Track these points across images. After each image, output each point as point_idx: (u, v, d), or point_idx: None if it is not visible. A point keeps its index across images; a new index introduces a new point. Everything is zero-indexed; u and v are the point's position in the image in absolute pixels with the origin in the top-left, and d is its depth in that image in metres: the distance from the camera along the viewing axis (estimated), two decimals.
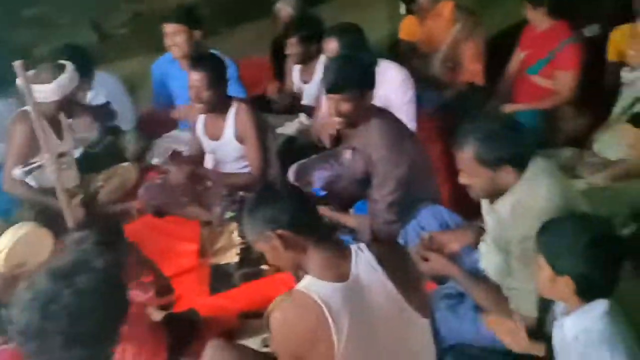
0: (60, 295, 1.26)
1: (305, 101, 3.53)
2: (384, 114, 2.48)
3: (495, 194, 1.91)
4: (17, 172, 2.37)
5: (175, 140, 3.46)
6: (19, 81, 2.22)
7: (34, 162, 2.39)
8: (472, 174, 1.86)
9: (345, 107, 2.35)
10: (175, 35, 3.25)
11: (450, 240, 2.22)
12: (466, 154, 1.84)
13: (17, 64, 2.15)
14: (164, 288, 2.35)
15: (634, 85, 2.56)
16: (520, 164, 1.83)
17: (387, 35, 4.53)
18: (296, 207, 1.61)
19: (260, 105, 3.52)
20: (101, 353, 1.37)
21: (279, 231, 1.57)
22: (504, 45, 3.61)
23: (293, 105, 3.58)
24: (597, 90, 3.23)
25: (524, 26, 3.42)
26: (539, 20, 3.22)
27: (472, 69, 3.54)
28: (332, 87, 2.34)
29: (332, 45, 2.88)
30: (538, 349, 1.77)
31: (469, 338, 2.03)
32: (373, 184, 2.46)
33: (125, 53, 4.60)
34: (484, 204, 2.03)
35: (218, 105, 2.84)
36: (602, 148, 2.66)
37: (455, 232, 2.28)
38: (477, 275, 2.07)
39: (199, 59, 2.83)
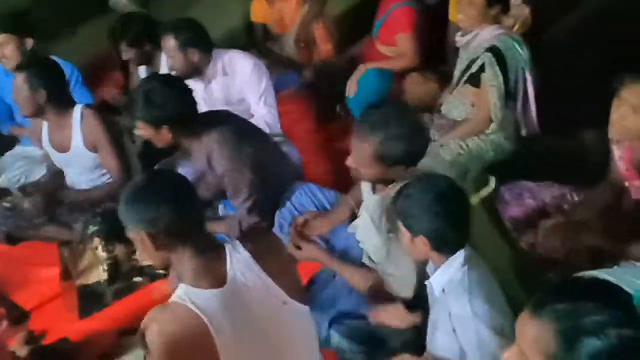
0: None
1: None
2: (214, 124, 2.36)
3: (382, 183, 1.94)
4: None
5: (22, 158, 3.17)
6: None
7: None
8: (364, 165, 1.87)
9: (147, 134, 2.31)
10: (3, 47, 3.00)
11: (321, 225, 2.25)
12: (365, 148, 1.83)
13: None
14: (17, 316, 2.15)
15: (468, 48, 2.70)
16: (414, 163, 1.87)
17: (242, 18, 4.45)
18: (176, 211, 1.50)
19: (112, 108, 3.33)
20: None
21: (152, 232, 1.48)
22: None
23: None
24: (443, 53, 3.42)
25: None
26: None
27: (324, 49, 3.59)
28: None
29: (169, 44, 2.79)
30: (418, 317, 1.83)
31: (349, 307, 2.08)
32: (228, 195, 2.43)
33: None
34: (365, 185, 2.05)
35: (57, 111, 2.65)
36: (449, 110, 2.79)
37: (325, 216, 2.31)
38: (349, 256, 2.13)
39: (25, 61, 2.68)
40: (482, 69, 2.60)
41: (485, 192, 2.46)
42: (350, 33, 3.82)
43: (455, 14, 3.30)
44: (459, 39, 2.75)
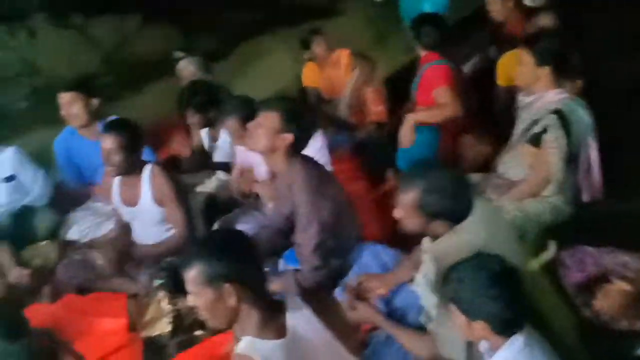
0: None
1: (216, 158, 3.55)
2: (308, 160, 2.52)
3: (429, 235, 1.97)
4: None
5: (93, 212, 3.33)
6: None
7: None
8: (407, 215, 1.92)
9: (261, 130, 2.39)
10: (71, 105, 3.21)
11: (377, 286, 2.28)
12: (408, 198, 1.89)
13: None
14: None
15: (530, 108, 2.73)
16: (455, 220, 1.89)
17: (293, 82, 4.67)
18: (252, 265, 1.61)
19: (173, 166, 3.51)
20: None
21: (236, 285, 1.55)
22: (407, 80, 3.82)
23: (205, 163, 3.57)
24: (491, 115, 3.49)
25: None
26: (421, 52, 3.42)
27: (376, 110, 3.71)
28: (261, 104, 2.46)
29: (230, 124, 3.00)
30: None
31: None
32: (297, 227, 2.49)
33: (27, 127, 4.42)
34: (424, 240, 2.08)
35: (130, 168, 2.82)
36: (506, 170, 2.81)
37: (382, 277, 2.34)
38: (407, 317, 2.15)
39: (112, 122, 2.84)
40: (544, 130, 2.61)
41: (545, 256, 2.44)
42: (397, 96, 3.97)
43: (504, 78, 3.41)
44: (522, 99, 2.80)
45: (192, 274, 1.59)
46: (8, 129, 4.42)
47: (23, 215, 3.24)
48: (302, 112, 2.44)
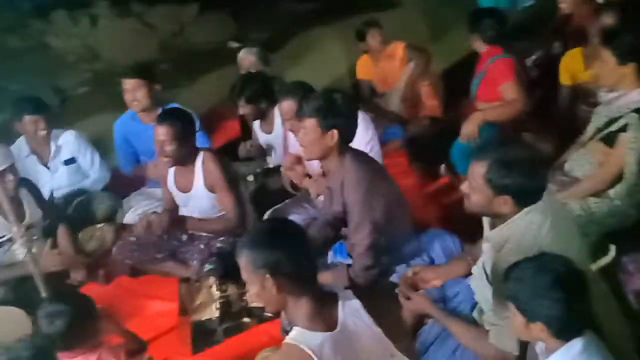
0: None
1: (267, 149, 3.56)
2: (360, 155, 2.49)
3: (490, 216, 1.93)
4: None
5: (147, 197, 3.42)
6: None
7: (3, 236, 2.34)
8: (475, 188, 1.87)
9: (306, 138, 2.38)
10: (135, 91, 3.28)
11: (434, 277, 2.24)
12: (478, 169, 1.84)
13: None
14: (136, 346, 2.27)
15: (610, 105, 2.59)
16: (522, 200, 1.82)
17: (346, 74, 4.65)
18: (299, 256, 1.60)
19: (227, 154, 3.54)
20: None
21: (277, 276, 1.56)
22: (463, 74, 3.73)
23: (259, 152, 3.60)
24: (551, 113, 3.37)
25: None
26: (479, 47, 3.32)
27: (430, 105, 3.64)
28: (299, 112, 2.41)
29: (286, 106, 2.93)
30: None
31: None
32: (349, 227, 2.47)
33: (87, 112, 4.57)
34: (486, 229, 2.02)
35: (184, 157, 2.85)
36: (572, 167, 2.68)
37: (440, 268, 2.30)
38: (458, 312, 2.11)
39: (166, 113, 2.85)
40: (622, 128, 2.47)
41: (604, 261, 2.34)
42: (452, 91, 3.88)
43: (567, 77, 3.28)
44: (604, 94, 2.66)
45: (242, 262, 1.62)
46: (69, 113, 4.60)
47: (82, 198, 3.35)
48: (338, 103, 2.38)
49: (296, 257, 1.59)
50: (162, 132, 2.74)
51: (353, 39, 4.08)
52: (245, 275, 1.63)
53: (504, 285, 1.66)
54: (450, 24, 4.75)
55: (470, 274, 2.10)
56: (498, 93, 3.17)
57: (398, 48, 3.75)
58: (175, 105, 3.33)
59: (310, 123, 2.35)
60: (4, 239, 2.32)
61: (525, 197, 1.82)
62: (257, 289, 1.60)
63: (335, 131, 2.35)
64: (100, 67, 5.25)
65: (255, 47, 3.96)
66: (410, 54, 3.70)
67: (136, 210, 3.30)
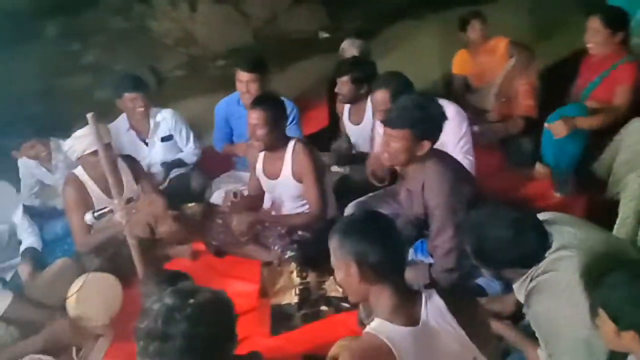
0: (183, 307, 1.43)
1: (354, 141, 3.57)
2: (441, 157, 2.44)
3: None
4: (88, 217, 2.48)
5: (235, 179, 3.52)
6: (90, 129, 2.31)
7: (104, 208, 2.49)
8: None
9: (395, 145, 2.33)
10: (250, 83, 3.36)
11: (499, 309, 2.22)
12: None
13: (89, 116, 2.26)
14: None
15: None
16: None
17: (437, 68, 4.54)
18: (388, 249, 1.60)
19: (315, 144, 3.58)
20: None
21: (363, 266, 1.59)
22: (562, 75, 3.56)
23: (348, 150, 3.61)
24: None
25: (581, 56, 3.37)
26: (602, 46, 3.14)
27: (526, 104, 3.49)
28: (391, 121, 2.34)
29: (380, 96, 2.90)
30: None
31: None
32: (431, 229, 2.43)
33: (182, 94, 4.76)
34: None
35: (275, 143, 2.91)
36: None
37: (505, 299, 2.25)
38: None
39: (259, 98, 2.91)
40: None
41: None
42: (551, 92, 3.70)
43: None
44: None
45: (332, 245, 1.65)
46: (164, 94, 4.82)
47: (177, 174, 3.51)
48: (432, 112, 2.33)
49: (385, 250, 1.60)
50: (254, 116, 2.81)
51: (447, 32, 3.99)
52: (333, 259, 1.66)
53: (593, 292, 1.61)
54: (555, 21, 4.53)
55: None
56: (613, 94, 3.08)
57: (500, 43, 3.62)
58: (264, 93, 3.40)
59: (404, 134, 2.31)
60: (105, 210, 2.48)
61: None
62: (342, 275, 1.64)
63: (427, 142, 2.32)
64: (196, 51, 5.44)
65: (352, 38, 3.97)
66: (512, 50, 3.56)
67: (224, 192, 3.40)
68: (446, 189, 2.32)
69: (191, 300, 1.44)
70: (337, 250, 1.64)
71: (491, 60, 3.64)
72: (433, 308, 1.60)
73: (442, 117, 2.37)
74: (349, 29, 5.06)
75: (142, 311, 1.48)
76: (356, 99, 3.40)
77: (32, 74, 4.84)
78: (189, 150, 3.62)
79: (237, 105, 3.55)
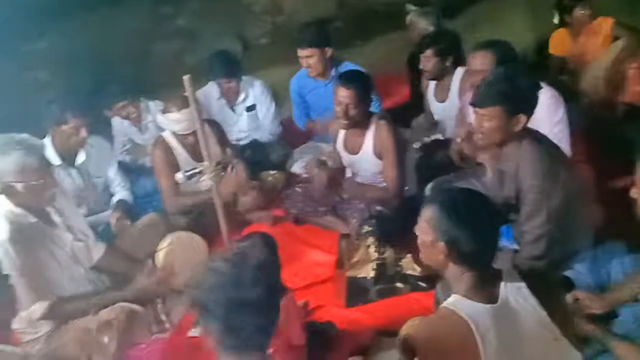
0: (233, 275, 1.41)
1: (438, 119, 3.47)
2: (537, 137, 2.32)
3: None
4: (179, 175, 2.58)
5: (314, 150, 3.55)
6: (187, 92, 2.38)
7: (193, 169, 2.58)
8: None
9: (488, 124, 2.23)
10: (308, 58, 3.39)
11: (594, 307, 2.10)
12: None
13: (186, 78, 2.32)
14: None
15: None
16: None
17: (528, 48, 4.33)
18: (482, 241, 1.58)
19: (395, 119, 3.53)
20: (267, 329, 1.46)
21: (452, 250, 1.57)
22: None
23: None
24: None
25: None
26: None
27: (634, 90, 3.26)
28: (479, 100, 2.24)
29: (480, 59, 2.74)
30: None
31: None
32: (521, 213, 2.33)
33: (265, 63, 4.81)
34: None
35: (360, 120, 2.88)
36: None
37: (602, 298, 2.12)
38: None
39: (349, 76, 2.87)
40: None
41: None
42: None
43: None
44: None
45: (426, 214, 1.64)
46: (249, 61, 4.87)
47: (258, 144, 3.58)
48: (523, 85, 2.20)
49: (479, 241, 1.57)
50: (345, 95, 2.77)
51: (536, 11, 3.77)
52: (422, 223, 1.65)
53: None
54: None
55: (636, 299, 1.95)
56: None
57: (604, 24, 3.41)
58: (351, 65, 3.38)
59: (495, 111, 2.19)
60: (195, 170, 2.57)
61: None
62: (426, 241, 1.64)
63: (522, 116, 2.20)
64: (281, 20, 5.47)
65: (430, 10, 3.84)
66: (618, 31, 3.33)
67: (303, 162, 3.45)
68: (542, 171, 2.21)
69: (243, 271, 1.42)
70: (430, 220, 1.62)
71: (593, 42, 3.44)
72: (513, 287, 1.58)
73: (534, 87, 2.25)
74: (438, 2, 4.89)
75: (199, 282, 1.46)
76: (442, 74, 3.31)
77: (124, 37, 5.02)
78: (267, 125, 3.66)
79: (307, 78, 3.55)
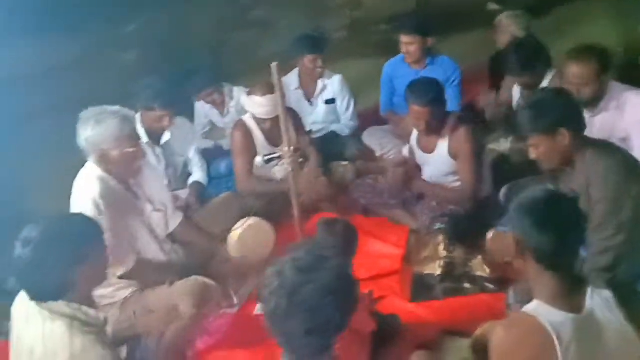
0: (303, 288, 1.33)
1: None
2: (604, 147, 2.25)
3: None
4: (258, 159, 2.66)
5: (383, 133, 3.63)
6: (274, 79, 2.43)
7: (272, 153, 2.65)
8: None
9: (537, 152, 2.23)
10: (409, 45, 3.44)
11: None
12: None
13: (273, 65, 2.39)
14: None
15: None
16: None
17: (618, 53, 4.14)
18: (565, 246, 1.54)
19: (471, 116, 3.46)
20: (331, 341, 1.43)
21: (533, 251, 1.54)
22: None
23: (507, 119, 3.45)
24: None
25: None
26: None
27: None
28: (521, 130, 2.27)
29: (577, 70, 2.64)
30: None
31: None
32: (591, 224, 2.26)
33: (341, 56, 4.83)
34: None
35: (434, 125, 2.89)
36: None
37: None
38: None
39: (422, 91, 2.84)
40: None
41: None
42: None
43: None
44: None
45: (507, 216, 1.64)
46: (327, 55, 4.91)
47: (333, 136, 3.64)
48: (549, 97, 2.20)
49: (561, 246, 1.52)
50: (419, 111, 2.82)
51: (627, 14, 3.59)
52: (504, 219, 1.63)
53: None
54: None
55: None
56: None
57: None
58: (447, 60, 3.49)
59: (539, 138, 2.19)
60: (274, 155, 2.64)
61: None
62: (506, 241, 1.60)
63: (563, 130, 2.15)
64: (359, 14, 5.47)
65: (521, 14, 3.74)
66: None
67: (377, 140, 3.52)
68: (612, 181, 2.15)
69: (309, 284, 1.34)
70: (511, 219, 1.60)
71: None
72: (600, 297, 1.53)
73: (569, 100, 2.24)
74: (522, 2, 4.76)
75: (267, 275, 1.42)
76: (533, 85, 3.20)
77: (205, 26, 5.17)
78: (344, 122, 3.70)
79: (402, 64, 3.59)
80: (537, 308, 1.52)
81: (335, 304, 1.34)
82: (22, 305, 1.78)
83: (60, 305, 1.71)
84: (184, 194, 3.26)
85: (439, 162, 2.97)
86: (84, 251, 1.74)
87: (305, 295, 1.33)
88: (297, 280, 1.34)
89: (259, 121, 3.05)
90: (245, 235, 2.67)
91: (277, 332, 1.39)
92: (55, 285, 1.70)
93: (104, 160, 2.32)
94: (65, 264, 1.69)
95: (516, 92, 3.34)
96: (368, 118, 3.83)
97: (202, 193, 3.32)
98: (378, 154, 3.54)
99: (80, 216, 1.92)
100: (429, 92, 2.82)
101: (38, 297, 1.72)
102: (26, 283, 1.73)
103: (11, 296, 1.86)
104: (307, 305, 1.33)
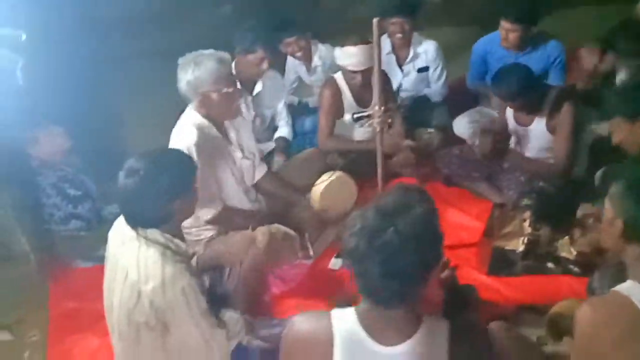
0: (383, 232, 1.31)
1: None
2: None
3: None
4: (347, 117, 2.65)
5: (482, 115, 3.45)
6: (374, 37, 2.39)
7: (363, 111, 2.64)
8: None
9: (619, 137, 2.19)
10: (510, 32, 3.20)
11: None
12: None
13: (375, 21, 2.34)
14: None
15: None
16: None
17: None
18: None
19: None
20: (408, 290, 1.39)
21: (630, 229, 1.50)
22: None
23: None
24: None
25: None
26: None
27: None
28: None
29: None
30: None
31: None
32: None
33: (436, 22, 4.68)
34: None
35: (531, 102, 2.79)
36: None
37: None
38: None
39: (511, 87, 2.75)
40: None
41: None
42: None
43: None
44: None
45: (610, 190, 1.57)
46: (419, 20, 4.77)
47: (423, 102, 3.56)
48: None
49: None
50: (511, 105, 2.74)
51: None
52: (606, 200, 1.59)
53: None
54: None
55: None
56: None
57: None
58: (554, 44, 3.27)
59: (616, 122, 2.16)
60: (364, 114, 2.62)
61: None
62: (605, 220, 1.59)
63: None
64: None
65: None
66: None
67: (466, 125, 3.37)
68: None
69: (390, 228, 1.31)
70: (612, 198, 1.56)
71: None
72: None
73: None
74: None
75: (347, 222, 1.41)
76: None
77: None
78: (436, 89, 3.60)
79: (498, 46, 3.36)
80: (631, 288, 1.46)
81: (416, 251, 1.31)
82: (119, 230, 1.90)
83: (155, 234, 1.81)
84: (265, 147, 3.32)
85: (535, 136, 2.86)
86: (182, 184, 1.84)
87: (385, 238, 1.31)
88: (380, 224, 1.33)
89: (349, 78, 3.03)
90: (330, 187, 2.70)
91: (356, 273, 1.38)
92: (153, 214, 1.80)
93: (204, 104, 2.39)
94: (164, 195, 1.78)
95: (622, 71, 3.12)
96: (456, 89, 3.71)
97: (287, 148, 3.37)
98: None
99: (180, 151, 2.01)
100: (515, 82, 2.72)
101: (136, 223, 1.83)
102: (127, 210, 1.84)
103: (107, 223, 1.98)
104: (386, 248, 1.31)
